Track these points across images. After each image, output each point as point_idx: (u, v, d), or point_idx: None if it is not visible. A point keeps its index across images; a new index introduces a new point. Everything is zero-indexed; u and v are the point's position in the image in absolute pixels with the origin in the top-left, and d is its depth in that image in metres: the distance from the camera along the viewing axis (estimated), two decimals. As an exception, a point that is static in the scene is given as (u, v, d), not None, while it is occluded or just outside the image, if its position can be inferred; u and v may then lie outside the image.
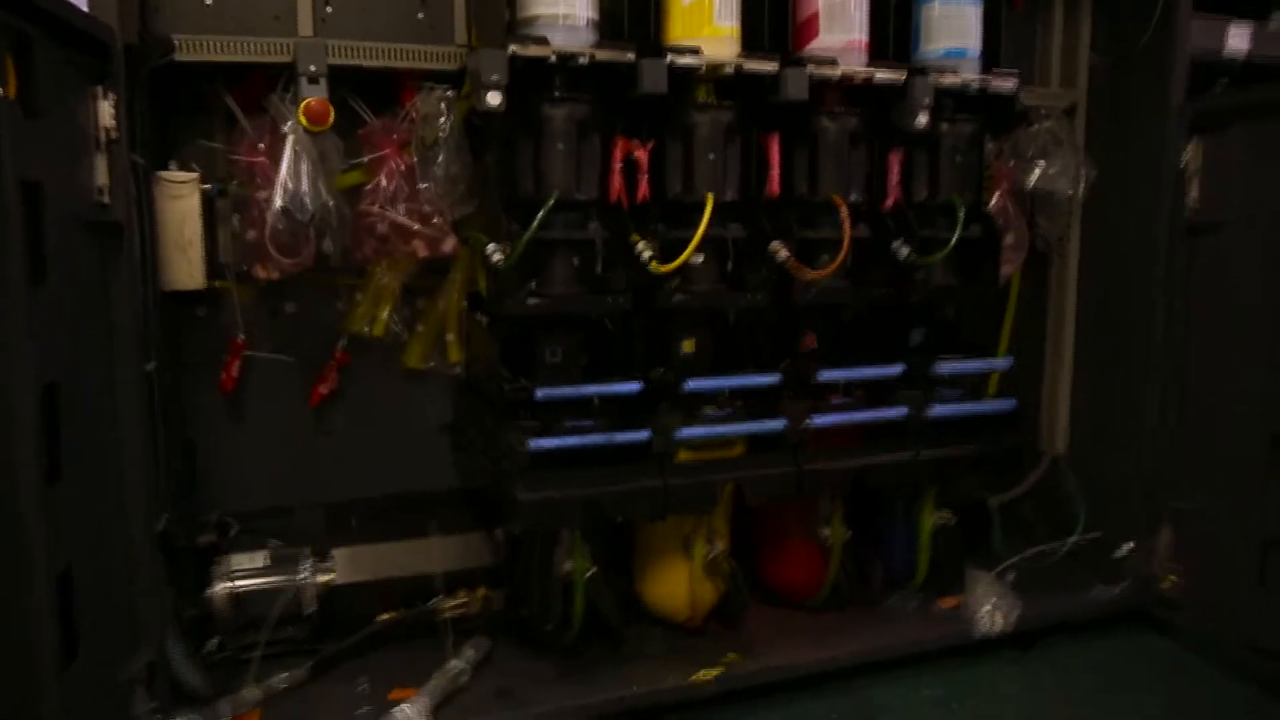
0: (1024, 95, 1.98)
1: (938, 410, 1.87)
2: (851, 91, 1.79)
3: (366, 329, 1.86)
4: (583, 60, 1.56)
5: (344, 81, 1.68)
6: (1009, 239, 2.12)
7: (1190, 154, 1.99)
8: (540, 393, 1.58)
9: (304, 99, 1.61)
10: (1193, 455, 2.01)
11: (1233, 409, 1.91)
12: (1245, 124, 1.91)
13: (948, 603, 2.03)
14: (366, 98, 1.74)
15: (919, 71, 1.79)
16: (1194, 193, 2.00)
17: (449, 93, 1.68)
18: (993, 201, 2.05)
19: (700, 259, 1.69)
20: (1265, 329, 1.83)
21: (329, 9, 1.75)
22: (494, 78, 1.49)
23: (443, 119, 1.68)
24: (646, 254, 1.63)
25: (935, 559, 2.03)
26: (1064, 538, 2.19)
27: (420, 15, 1.80)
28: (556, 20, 1.56)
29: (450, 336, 1.91)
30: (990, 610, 1.98)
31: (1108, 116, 2.17)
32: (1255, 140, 1.88)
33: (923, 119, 1.78)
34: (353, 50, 1.65)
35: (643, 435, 1.64)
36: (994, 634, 1.95)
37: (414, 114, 1.68)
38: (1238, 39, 2.31)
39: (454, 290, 1.90)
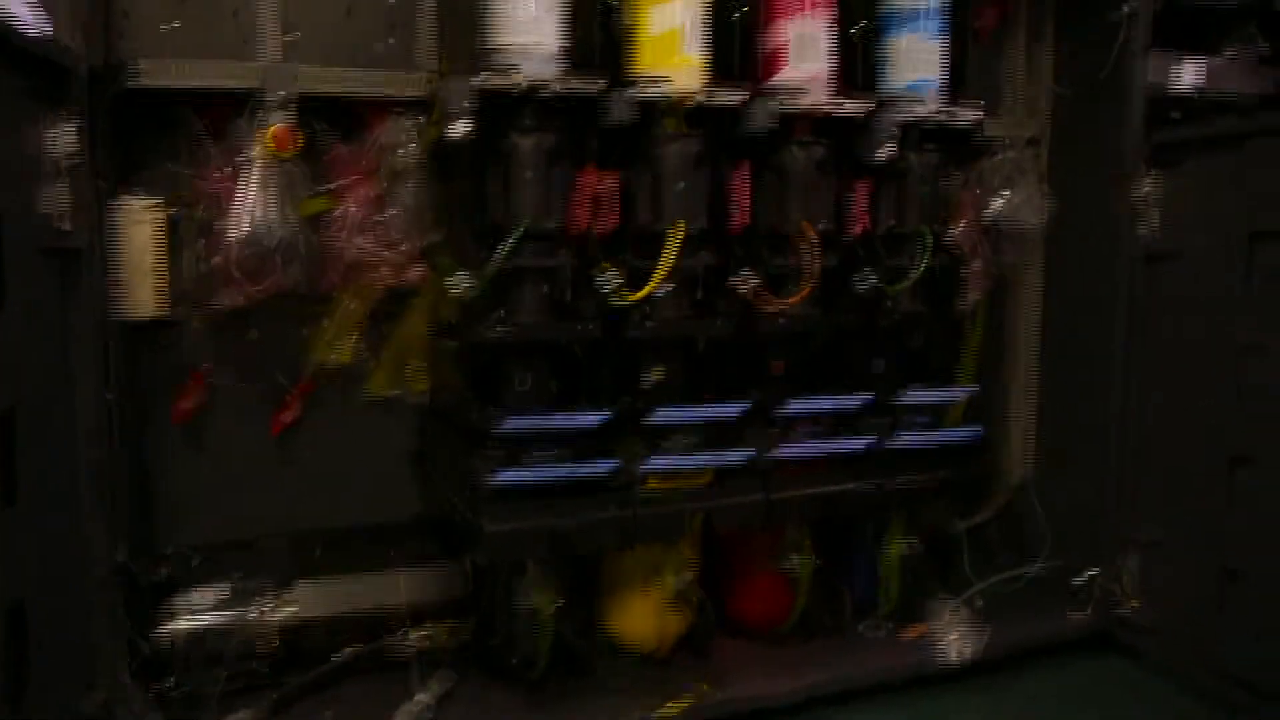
0: (988, 126, 2.02)
1: (904, 439, 1.89)
2: (819, 122, 1.80)
3: (333, 356, 1.84)
4: (552, 90, 1.56)
5: (311, 108, 1.67)
6: (975, 265, 2.14)
7: (1149, 185, 2.03)
8: (508, 423, 1.57)
9: (270, 125, 1.59)
10: (1154, 481, 2.03)
11: (1192, 434, 1.94)
12: (1201, 157, 1.95)
13: (915, 630, 2.04)
14: (333, 124, 1.73)
15: (884, 104, 1.81)
16: (1154, 223, 2.03)
17: (418, 120, 1.68)
18: (958, 230, 2.07)
19: (669, 288, 1.69)
20: (1223, 355, 1.86)
21: (297, 34, 1.74)
22: (462, 107, 1.48)
23: (410, 146, 1.67)
24: (615, 283, 1.63)
25: (903, 587, 2.03)
26: (1028, 563, 2.21)
27: (389, 41, 1.80)
28: (527, 49, 1.56)
29: (415, 363, 1.90)
30: (956, 638, 1.99)
31: (1070, 147, 2.21)
32: (1210, 173, 1.92)
33: (886, 152, 1.80)
34: (320, 77, 1.64)
35: (610, 466, 1.64)
36: (960, 662, 1.95)
37: (381, 141, 1.67)
38: (1190, 74, 2.39)
39: (419, 316, 1.88)
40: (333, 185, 1.71)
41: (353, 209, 1.66)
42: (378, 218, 1.66)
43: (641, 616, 1.83)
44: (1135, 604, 2.07)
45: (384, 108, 1.69)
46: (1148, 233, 2.03)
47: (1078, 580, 2.14)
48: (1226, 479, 1.86)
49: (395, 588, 1.83)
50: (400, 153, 1.65)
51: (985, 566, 2.23)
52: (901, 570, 2.03)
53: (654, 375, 1.76)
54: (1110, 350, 2.08)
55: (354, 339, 1.84)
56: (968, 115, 1.90)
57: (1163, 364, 2.01)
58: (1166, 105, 2.14)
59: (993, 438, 2.09)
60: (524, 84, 1.54)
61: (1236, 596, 1.85)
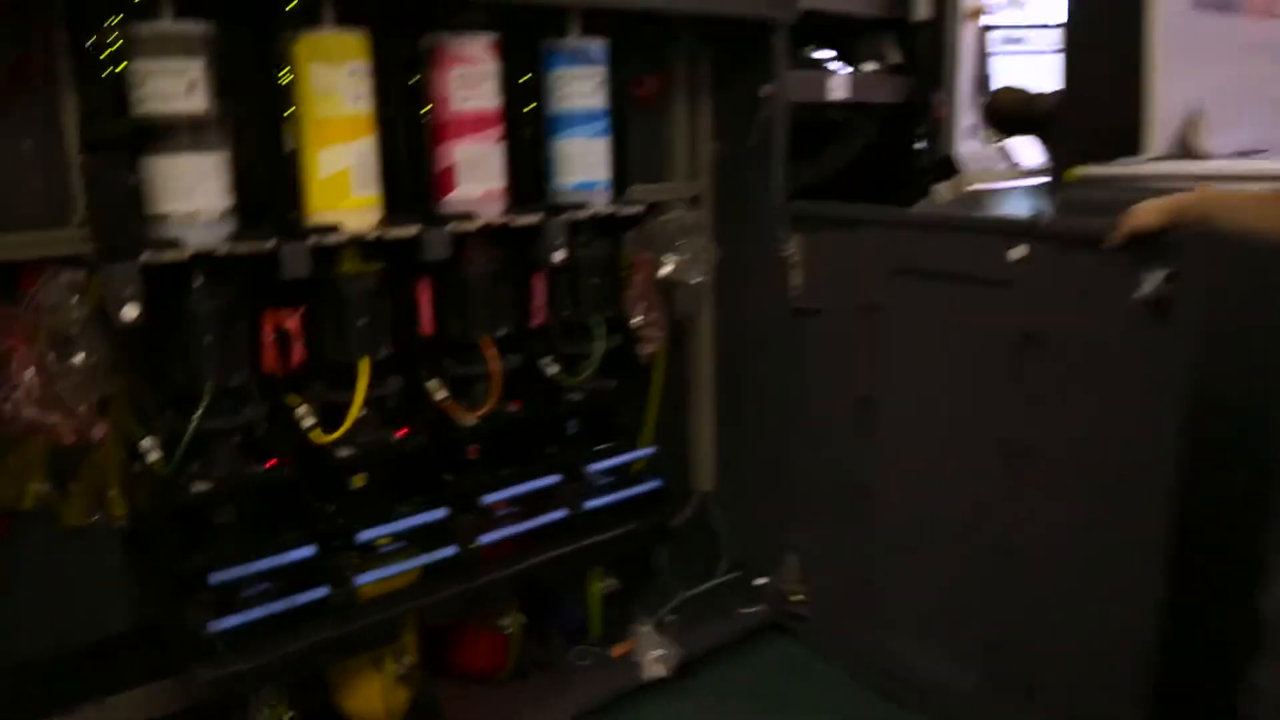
0: (654, 188, 2.23)
1: (593, 503, 2.12)
2: (496, 230, 1.92)
3: (14, 504, 1.80)
4: (221, 254, 1.58)
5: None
6: (651, 317, 2.37)
7: (793, 247, 2.32)
8: (215, 577, 1.64)
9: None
10: (807, 498, 2.40)
11: (830, 465, 2.31)
12: (830, 229, 2.26)
13: (620, 650, 2.32)
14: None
15: (554, 211, 1.95)
16: (798, 280, 2.33)
17: (80, 275, 1.63)
18: (632, 293, 2.29)
19: (364, 414, 1.78)
20: (852, 398, 2.22)
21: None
22: (127, 293, 1.48)
23: (75, 302, 1.63)
24: (308, 421, 1.71)
25: (606, 617, 2.31)
26: (718, 571, 2.55)
27: (38, 192, 1.69)
28: (190, 218, 1.57)
29: (112, 492, 1.89)
30: (657, 651, 2.29)
31: (730, 203, 2.46)
32: (838, 242, 2.24)
33: (558, 255, 1.95)
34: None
35: (322, 593, 1.75)
36: (662, 672, 2.26)
37: (39, 302, 1.61)
38: (839, 88, 2.72)
39: (111, 444, 1.86)
40: (-10, 351, 1.63)
41: (16, 374, 1.61)
42: (48, 380, 1.62)
43: (369, 697, 1.98)
44: (799, 598, 2.46)
45: (38, 265, 1.63)
46: (793, 288, 2.33)
47: (758, 581, 2.50)
48: (852, 498, 2.25)
49: (118, 711, 1.86)
50: (63, 313, 1.60)
51: (681, 576, 2.54)
52: (604, 603, 2.31)
53: (356, 482, 1.87)
54: (768, 391, 2.41)
55: (36, 483, 1.80)
56: (632, 208, 2.09)
57: (807, 406, 2.35)
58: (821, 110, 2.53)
59: (673, 484, 2.36)
60: (191, 255, 1.55)
61: (870, 595, 2.27)
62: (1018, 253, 1.80)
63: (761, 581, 2.50)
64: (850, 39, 2.91)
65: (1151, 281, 1.56)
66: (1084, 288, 1.71)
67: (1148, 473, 1.64)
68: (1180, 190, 1.54)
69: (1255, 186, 1.55)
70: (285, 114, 1.68)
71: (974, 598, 2.03)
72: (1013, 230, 1.86)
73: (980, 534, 1.98)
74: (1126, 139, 2.08)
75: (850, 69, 2.79)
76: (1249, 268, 1.53)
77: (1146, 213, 1.52)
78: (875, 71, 2.88)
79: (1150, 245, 1.55)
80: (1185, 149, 2.11)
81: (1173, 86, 2.10)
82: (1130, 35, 2.07)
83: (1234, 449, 1.59)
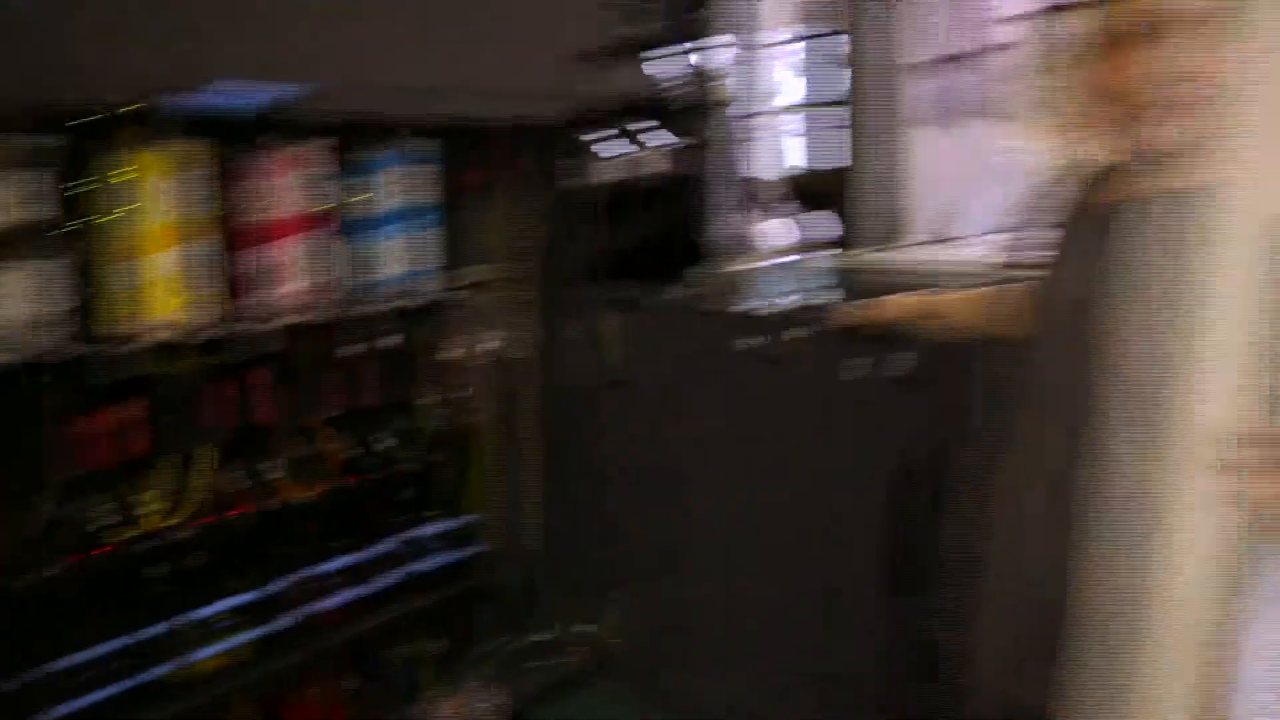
0: (479, 270, 2.43)
1: (422, 568, 2.29)
2: (325, 324, 2.07)
3: None
4: (50, 358, 1.68)
5: None
6: (478, 392, 2.57)
7: (606, 325, 2.57)
8: (51, 665, 1.71)
9: None
10: (627, 551, 2.64)
11: (648, 518, 2.56)
12: (638, 310, 2.52)
13: (452, 705, 2.47)
14: None
15: (381, 301, 2.13)
16: (612, 355, 2.58)
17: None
18: (460, 366, 2.48)
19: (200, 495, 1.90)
20: (662, 463, 2.47)
21: None
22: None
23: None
24: (143, 509, 1.82)
25: (437, 674, 2.46)
26: (543, 626, 2.74)
27: None
28: (25, 323, 1.66)
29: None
30: (487, 704, 2.45)
31: (549, 285, 2.68)
32: (644, 322, 2.50)
33: (390, 341, 2.13)
34: None
35: (162, 669, 1.84)
36: (490, 724, 2.43)
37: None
38: (646, 166, 2.98)
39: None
40: None
41: None
42: None
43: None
44: (618, 645, 2.68)
45: None
46: (608, 363, 2.58)
47: (578, 633, 2.71)
48: (670, 557, 2.50)
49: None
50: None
51: (509, 632, 2.72)
52: (435, 662, 2.46)
53: (192, 561, 1.97)
54: (589, 458, 2.64)
55: None
56: (458, 293, 2.29)
57: (623, 471, 2.60)
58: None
59: (510, 525, 2.56)
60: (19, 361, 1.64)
61: (682, 638, 2.51)
62: (796, 334, 2.10)
63: (584, 631, 2.71)
64: (661, 118, 3.20)
65: (899, 361, 1.89)
66: (849, 365, 2.02)
67: (907, 513, 1.96)
68: (930, 277, 1.87)
69: (972, 282, 1.89)
70: (106, 221, 1.77)
71: (771, 635, 2.30)
72: (792, 317, 2.16)
73: (774, 579, 2.26)
74: (898, 224, 2.45)
75: (660, 146, 3.07)
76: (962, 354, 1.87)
77: (889, 307, 1.84)
78: (682, 148, 3.18)
79: (895, 333, 1.87)
80: (941, 236, 2.50)
81: (931, 181, 2.48)
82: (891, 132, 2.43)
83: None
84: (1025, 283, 1.35)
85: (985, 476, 1.37)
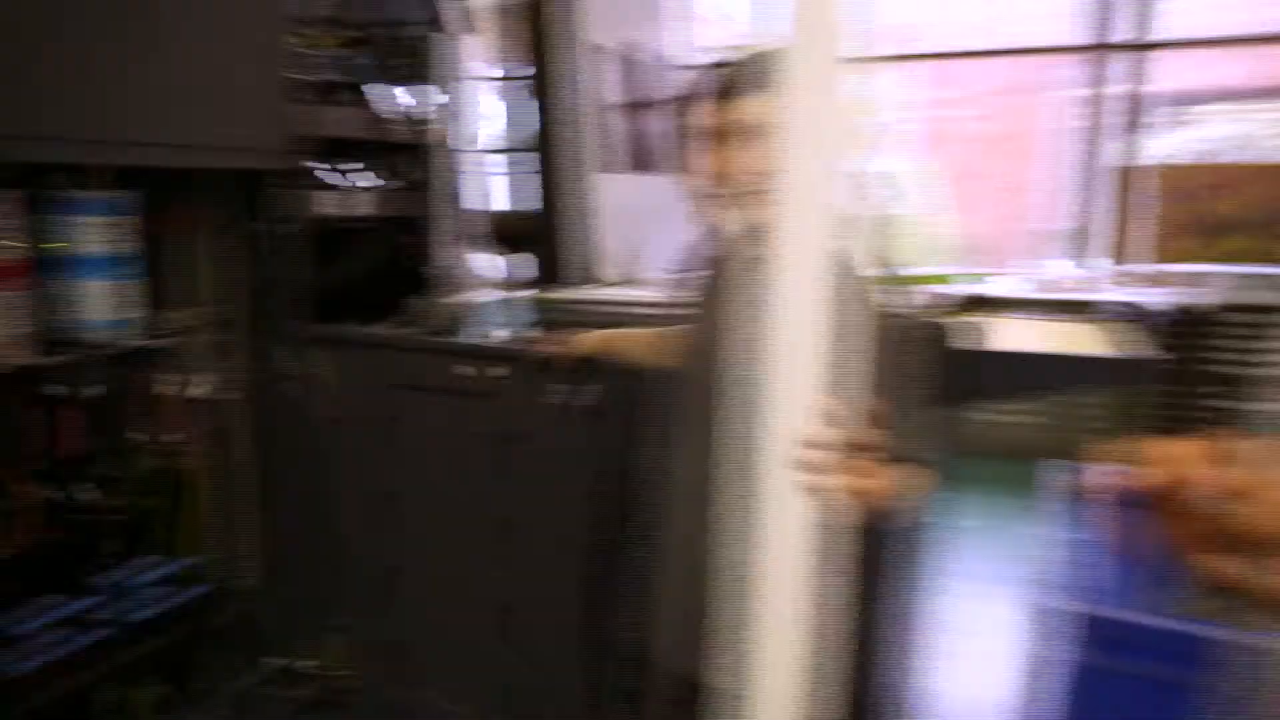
0: (186, 314, 2.43)
1: (138, 615, 2.27)
2: (20, 374, 2.03)
3: None
4: None
5: None
6: (190, 434, 2.56)
7: (316, 362, 2.65)
8: None
9: None
10: (348, 580, 2.72)
11: (367, 547, 2.66)
12: (347, 347, 2.63)
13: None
14: None
15: (81, 349, 2.11)
16: (323, 391, 2.66)
17: None
18: (169, 410, 2.47)
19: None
20: (377, 493, 2.59)
21: None
22: None
23: None
24: None
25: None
26: (268, 662, 2.76)
27: None
28: None
29: None
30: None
31: (259, 326, 2.72)
32: (354, 358, 2.61)
33: (92, 390, 2.11)
34: None
35: None
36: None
37: None
38: (354, 206, 3.07)
39: None
40: None
41: None
42: None
43: None
44: (345, 674, 2.76)
45: None
46: (320, 399, 2.66)
47: (303, 666, 2.75)
48: (389, 581, 2.62)
49: None
50: None
51: (233, 671, 2.71)
52: (158, 709, 2.43)
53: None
54: (307, 493, 2.70)
55: None
56: (165, 338, 2.30)
57: (341, 503, 2.69)
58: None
59: (231, 564, 2.56)
60: None
61: (406, 659, 2.64)
62: (496, 371, 2.31)
63: (308, 665, 2.76)
64: (368, 156, 3.30)
65: (586, 393, 2.14)
66: (544, 397, 2.25)
67: (598, 530, 2.21)
68: (619, 316, 2.13)
69: (650, 320, 2.18)
70: None
71: (487, 650, 2.49)
72: (491, 353, 2.37)
73: (484, 597, 2.45)
74: (592, 263, 2.71)
75: (369, 185, 3.17)
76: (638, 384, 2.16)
77: (579, 344, 2.09)
78: (392, 189, 3.30)
79: (585, 366, 2.12)
80: (627, 277, 2.80)
81: (620, 223, 2.77)
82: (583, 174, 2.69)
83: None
84: (681, 321, 1.63)
85: (657, 491, 1.63)
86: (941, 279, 3.23)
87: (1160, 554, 0.76)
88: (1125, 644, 1.47)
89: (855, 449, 0.98)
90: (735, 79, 1.38)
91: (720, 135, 1.41)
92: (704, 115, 1.44)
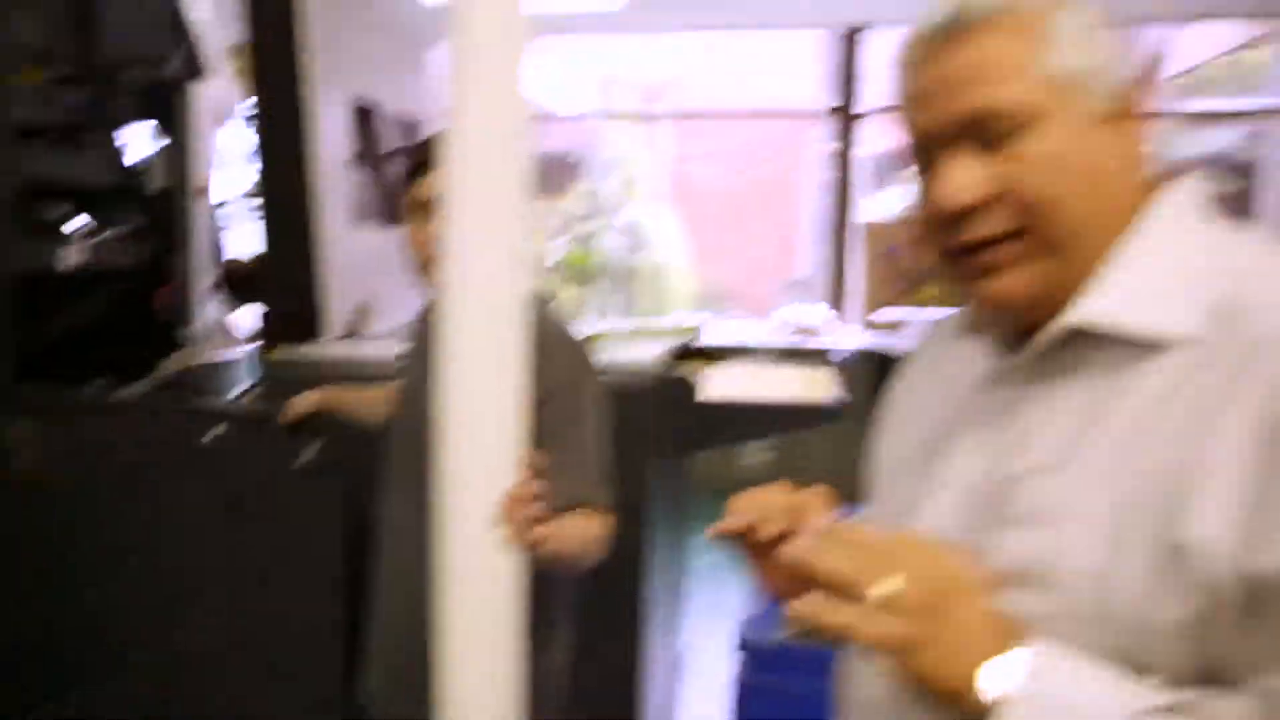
0: None
1: None
2: None
3: None
4: None
5: None
6: None
7: (19, 430, 2.46)
8: None
9: None
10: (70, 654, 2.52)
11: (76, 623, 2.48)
12: (55, 412, 2.46)
13: None
14: None
15: None
16: (28, 459, 2.47)
17: None
18: None
19: None
20: (126, 561, 2.42)
21: None
22: None
23: None
24: None
25: None
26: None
27: None
28: None
29: None
30: None
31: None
32: (67, 423, 2.45)
33: None
34: None
35: None
36: None
37: None
38: (72, 256, 2.88)
39: None
40: None
41: None
42: None
43: None
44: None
45: None
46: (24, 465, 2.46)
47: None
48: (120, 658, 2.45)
49: None
50: None
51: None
52: None
53: None
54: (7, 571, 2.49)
55: None
56: None
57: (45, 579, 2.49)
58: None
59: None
60: None
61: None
62: (217, 431, 2.23)
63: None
64: (91, 205, 3.09)
65: (310, 450, 2.11)
66: (270, 455, 2.19)
67: (328, 585, 2.17)
68: (347, 373, 2.11)
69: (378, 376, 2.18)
70: None
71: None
72: (211, 414, 2.28)
73: (232, 658, 2.32)
74: (321, 318, 2.65)
75: (90, 235, 2.96)
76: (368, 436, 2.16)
77: (301, 403, 2.06)
78: (115, 238, 3.10)
79: (308, 425, 2.09)
80: (357, 331, 2.77)
81: (345, 281, 2.73)
82: (303, 238, 2.64)
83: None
84: (398, 376, 1.66)
85: (381, 541, 1.64)
86: (682, 330, 3.41)
87: (763, 589, 0.88)
88: (774, 664, 1.66)
89: (521, 499, 1.05)
90: (425, 155, 1.46)
91: (417, 207, 1.48)
92: (410, 187, 1.51)
